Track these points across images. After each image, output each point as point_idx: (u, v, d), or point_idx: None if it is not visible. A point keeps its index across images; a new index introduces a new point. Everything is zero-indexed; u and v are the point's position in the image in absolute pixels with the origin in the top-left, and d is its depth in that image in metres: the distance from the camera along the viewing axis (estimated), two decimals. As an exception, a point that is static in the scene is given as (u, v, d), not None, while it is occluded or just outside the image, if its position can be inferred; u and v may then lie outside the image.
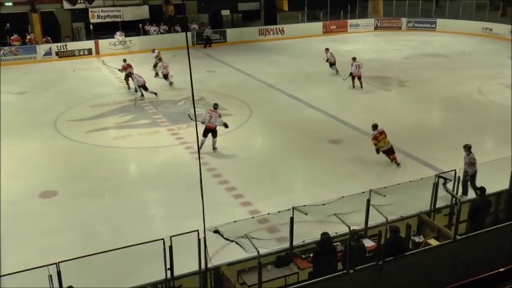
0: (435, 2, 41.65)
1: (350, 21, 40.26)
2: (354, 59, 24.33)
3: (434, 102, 21.90)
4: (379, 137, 15.32)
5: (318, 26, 39.32)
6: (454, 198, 10.00)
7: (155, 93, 22.65)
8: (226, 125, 16.59)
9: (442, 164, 14.07)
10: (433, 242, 9.52)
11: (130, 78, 23.66)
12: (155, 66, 26.69)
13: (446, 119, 20.03)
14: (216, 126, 16.34)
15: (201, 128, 15.99)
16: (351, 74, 23.90)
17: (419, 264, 9.05)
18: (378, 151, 15.38)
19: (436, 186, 10.02)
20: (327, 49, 26.82)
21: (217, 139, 16.47)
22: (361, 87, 23.66)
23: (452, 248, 9.29)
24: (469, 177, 12.62)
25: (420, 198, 10.25)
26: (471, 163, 12.74)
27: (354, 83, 23.89)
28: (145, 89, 22.43)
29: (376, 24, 40.89)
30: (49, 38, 31.80)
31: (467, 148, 12.99)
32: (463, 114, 19.90)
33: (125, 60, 24.82)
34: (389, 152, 15.35)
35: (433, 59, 29.95)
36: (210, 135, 16.28)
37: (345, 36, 38.56)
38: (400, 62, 29.45)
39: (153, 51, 27.76)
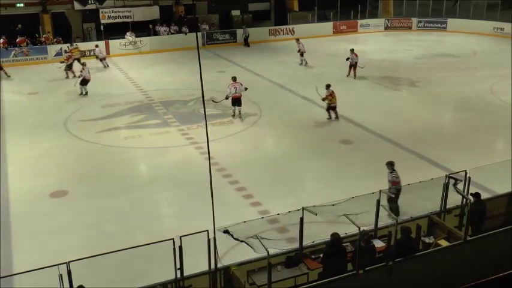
0: (456, 1, 41.31)
1: (360, 22, 40.17)
2: (352, 50, 25.42)
3: (445, 103, 21.78)
4: (332, 94, 18.75)
5: (328, 26, 39.27)
6: (464, 199, 9.94)
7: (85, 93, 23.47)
8: (246, 88, 19.96)
9: (452, 165, 14.01)
10: (444, 243, 9.47)
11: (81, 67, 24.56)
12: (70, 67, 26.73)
13: (457, 120, 19.93)
14: (241, 95, 19.62)
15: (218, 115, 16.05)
16: (349, 61, 25.24)
17: (430, 265, 9.01)
18: (328, 109, 18.88)
19: (446, 187, 9.96)
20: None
21: (228, 139, 17.02)
22: (355, 77, 25.33)
23: (462, 249, 9.23)
24: (392, 196, 11.53)
25: (430, 199, 10.19)
26: (394, 181, 11.73)
27: (350, 71, 25.34)
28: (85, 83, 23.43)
29: (387, 24, 40.76)
30: (60, 38, 31.99)
31: (390, 165, 11.99)
32: (474, 114, 19.77)
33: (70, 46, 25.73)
34: (335, 108, 18.90)
35: (444, 59, 29.80)
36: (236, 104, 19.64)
37: (355, 37, 38.47)
38: (411, 62, 29.34)
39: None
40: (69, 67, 27.17)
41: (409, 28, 40.24)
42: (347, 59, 25.95)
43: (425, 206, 10.11)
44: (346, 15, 39.91)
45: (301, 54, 28.50)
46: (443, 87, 23.65)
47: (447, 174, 10.15)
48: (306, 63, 28.06)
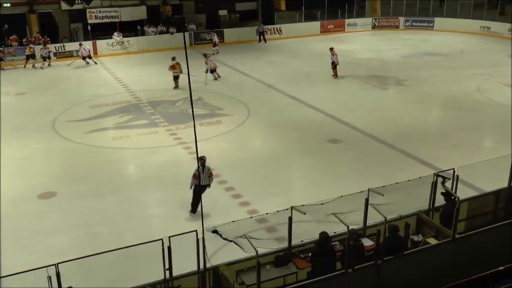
0: (442, 1, 41.60)
1: (348, 21, 40.29)
2: (332, 49, 25.48)
3: (433, 101, 21.93)
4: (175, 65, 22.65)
5: (315, 25, 39.33)
6: (453, 197, 10.00)
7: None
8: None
9: (440, 163, 14.08)
10: (432, 241, 9.52)
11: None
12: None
13: (445, 118, 20.06)
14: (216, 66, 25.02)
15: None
16: (333, 62, 25.08)
17: (419, 263, 9.06)
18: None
19: (434, 185, 10.01)
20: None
21: (216, 139, 17.22)
22: (337, 76, 25.35)
23: (451, 247, 9.29)
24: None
25: (419, 197, 10.24)
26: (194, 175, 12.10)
27: (336, 72, 25.24)
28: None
29: (374, 24, 40.92)
30: (48, 38, 31.78)
31: (202, 160, 12.11)
32: (462, 113, 19.92)
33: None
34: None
35: (432, 58, 29.98)
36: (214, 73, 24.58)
37: (343, 36, 38.58)
38: (398, 61, 29.49)
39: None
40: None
41: (397, 27, 40.43)
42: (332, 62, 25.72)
43: (413, 204, 10.16)
44: (334, 14, 40.02)
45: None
46: (430, 85, 23.81)
47: (435, 172, 10.21)
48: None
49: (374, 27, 40.79)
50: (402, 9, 40.71)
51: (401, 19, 40.50)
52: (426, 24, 39.65)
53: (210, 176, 12.60)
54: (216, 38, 33.45)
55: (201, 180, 12.15)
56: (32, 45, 30.26)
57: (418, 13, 40.47)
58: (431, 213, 10.29)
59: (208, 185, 12.59)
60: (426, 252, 9.23)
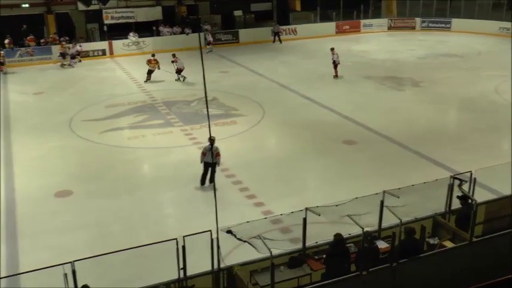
0: None
1: (363, 21, 40.16)
2: (333, 49, 25.60)
3: (450, 103, 21.73)
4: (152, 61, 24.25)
5: (330, 26, 39.25)
6: (470, 200, 9.89)
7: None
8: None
9: (457, 165, 13.96)
10: (449, 244, 9.42)
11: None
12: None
13: (462, 120, 19.86)
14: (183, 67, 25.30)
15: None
16: (334, 62, 25.17)
17: (435, 267, 8.97)
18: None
19: (451, 188, 9.92)
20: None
21: (231, 140, 17.20)
22: (337, 76, 25.45)
23: (468, 251, 9.18)
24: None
25: (435, 200, 10.15)
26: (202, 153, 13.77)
27: (336, 72, 25.32)
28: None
29: (390, 24, 40.72)
30: (67, 37, 32.13)
31: (211, 140, 13.01)
32: (479, 114, 19.69)
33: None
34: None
35: (448, 59, 29.74)
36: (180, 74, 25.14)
37: (358, 37, 38.46)
38: (414, 62, 29.29)
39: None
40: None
41: (413, 28, 40.18)
42: (333, 62, 25.64)
43: (429, 206, 10.07)
44: (349, 15, 39.90)
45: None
46: (447, 87, 23.60)
47: (452, 174, 10.11)
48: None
49: (390, 28, 40.59)
50: (419, 10, 40.42)
51: (418, 20, 40.24)
52: (443, 25, 39.34)
53: (216, 156, 13.69)
54: (210, 38, 34.12)
55: (207, 157, 13.58)
56: (64, 44, 30.74)
57: (434, 14, 40.15)
58: (448, 216, 10.19)
59: (217, 164, 13.75)
60: (442, 255, 9.13)
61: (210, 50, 33.25)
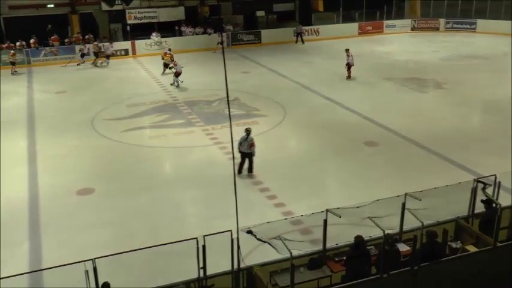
0: None
1: (386, 22, 39.86)
2: (347, 50, 25.44)
3: (474, 105, 21.44)
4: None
5: (353, 26, 39.04)
6: (494, 204, 9.74)
7: None
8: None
9: (481, 168, 13.73)
10: (472, 249, 9.28)
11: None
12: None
13: (486, 122, 19.57)
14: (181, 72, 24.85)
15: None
16: (348, 63, 25.05)
17: (457, 271, 8.84)
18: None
19: (474, 191, 9.78)
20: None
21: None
22: (350, 77, 25.38)
23: (492, 256, 9.03)
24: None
25: (458, 203, 10.02)
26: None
27: (349, 73, 25.17)
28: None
29: (413, 25, 40.35)
30: (91, 36, 32.52)
31: (247, 131, 14.58)
32: (504, 117, 19.25)
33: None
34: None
35: (473, 61, 29.34)
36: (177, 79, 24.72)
37: (381, 37, 38.19)
38: (438, 64, 28.96)
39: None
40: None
41: (437, 29, 39.76)
42: (346, 64, 25.49)
43: (452, 210, 9.94)
44: (372, 15, 39.62)
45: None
46: (471, 89, 23.28)
47: (475, 178, 9.97)
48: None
49: (413, 28, 40.22)
50: (443, 10, 39.95)
51: (442, 21, 39.79)
52: (468, 26, 38.80)
53: (251, 146, 14.44)
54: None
55: (243, 147, 14.42)
56: (97, 43, 31.37)
57: (459, 14, 39.62)
58: (471, 219, 10.04)
59: (252, 154, 14.51)
60: (465, 259, 9.00)
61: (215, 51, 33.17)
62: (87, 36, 32.60)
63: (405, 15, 41.54)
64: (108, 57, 30.95)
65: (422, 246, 8.63)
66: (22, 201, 13.57)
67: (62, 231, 12.07)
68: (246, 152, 14.47)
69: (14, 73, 28.79)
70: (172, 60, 26.72)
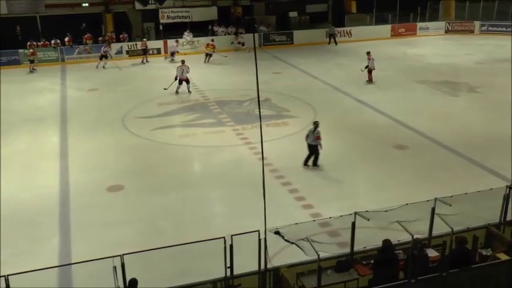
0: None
1: (419, 24, 39.37)
2: (369, 53, 25.15)
3: (507, 110, 20.96)
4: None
5: (386, 28, 38.67)
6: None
7: None
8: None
9: (513, 175, 13.49)
10: (503, 257, 9.10)
11: None
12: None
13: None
14: (187, 77, 23.64)
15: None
16: (367, 67, 24.84)
17: (487, 279, 8.70)
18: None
19: (507, 198, 9.61)
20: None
21: (282, 141, 17.29)
22: (371, 81, 25.08)
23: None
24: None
25: (489, 210, 9.85)
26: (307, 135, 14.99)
27: (371, 77, 24.92)
28: None
29: (447, 28, 39.76)
30: (126, 35, 32.95)
31: (315, 124, 15.02)
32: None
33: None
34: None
35: (507, 65, 28.55)
36: (184, 83, 23.50)
37: (414, 40, 37.76)
38: (471, 67, 28.48)
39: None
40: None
41: (471, 32, 39.07)
42: (366, 67, 25.26)
43: (483, 216, 9.78)
44: (406, 17, 39.17)
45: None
46: (505, 93, 22.77)
47: (508, 184, 9.80)
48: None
49: (447, 31, 39.64)
50: (478, 12, 39.20)
51: (477, 23, 39.06)
52: (504, 28, 37.87)
53: (317, 138, 14.89)
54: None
55: (309, 139, 14.96)
56: (145, 40, 32.21)
57: (495, 17, 38.83)
58: (503, 227, 9.87)
59: (319, 146, 14.98)
60: (495, 267, 8.85)
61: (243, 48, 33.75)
62: (121, 35, 33.03)
63: (439, 18, 40.93)
64: (172, 54, 31.64)
65: (451, 252, 8.52)
66: (53, 196, 13.84)
67: (91, 227, 12.26)
68: (312, 144, 14.93)
69: (32, 71, 29.19)
70: (214, 51, 28.93)
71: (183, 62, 24.37)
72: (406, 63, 29.24)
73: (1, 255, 10.73)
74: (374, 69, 25.10)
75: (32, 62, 29.41)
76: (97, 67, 29.84)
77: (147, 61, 31.46)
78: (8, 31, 31.96)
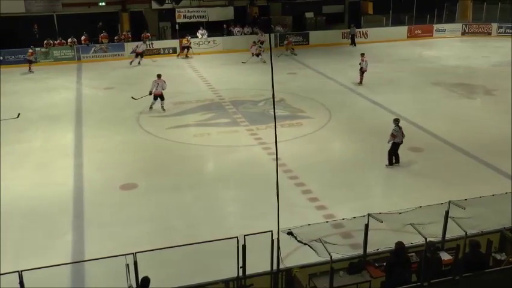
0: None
1: (436, 26, 39.06)
2: (363, 54, 24.99)
3: (524, 113, 20.78)
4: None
5: (402, 30, 38.43)
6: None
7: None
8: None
9: (530, 179, 13.36)
10: (517, 261, 9.06)
11: None
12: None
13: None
14: (162, 93, 20.95)
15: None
16: (361, 68, 24.62)
17: (501, 283, 8.63)
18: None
19: (522, 202, 9.52)
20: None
21: (296, 141, 17.21)
22: (361, 83, 24.84)
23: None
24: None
25: (504, 214, 9.77)
26: (392, 135, 14.97)
27: (361, 78, 24.76)
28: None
29: (464, 30, 39.39)
30: (148, 34, 33.16)
31: (396, 121, 15.13)
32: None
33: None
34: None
35: (525, 68, 28.42)
36: (158, 99, 20.96)
37: (430, 41, 37.49)
38: (488, 70, 28.23)
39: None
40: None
41: (489, 34, 38.69)
42: (360, 69, 25.02)
43: (497, 220, 9.70)
44: (422, 19, 38.90)
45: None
46: (522, 96, 22.58)
47: (523, 188, 9.72)
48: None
49: (464, 33, 39.26)
50: (496, 14, 38.81)
51: (494, 25, 38.66)
52: (522, 31, 37.53)
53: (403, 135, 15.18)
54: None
55: (398, 138, 15.05)
56: (189, 37, 32.64)
57: (513, 19, 38.42)
58: (517, 231, 9.78)
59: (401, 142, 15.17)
60: (510, 272, 8.77)
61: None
62: (143, 34, 32.98)
63: (456, 19, 40.57)
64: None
65: (464, 256, 8.47)
66: (67, 193, 13.96)
67: (105, 224, 12.36)
68: (400, 142, 15.04)
69: (31, 72, 28.94)
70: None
71: (159, 76, 21.33)
72: (421, 65, 29.05)
73: (15, 251, 10.91)
74: (366, 71, 24.90)
75: (30, 62, 29.31)
76: (131, 63, 30.43)
77: (187, 57, 32.44)
78: (26, 30, 32.30)
